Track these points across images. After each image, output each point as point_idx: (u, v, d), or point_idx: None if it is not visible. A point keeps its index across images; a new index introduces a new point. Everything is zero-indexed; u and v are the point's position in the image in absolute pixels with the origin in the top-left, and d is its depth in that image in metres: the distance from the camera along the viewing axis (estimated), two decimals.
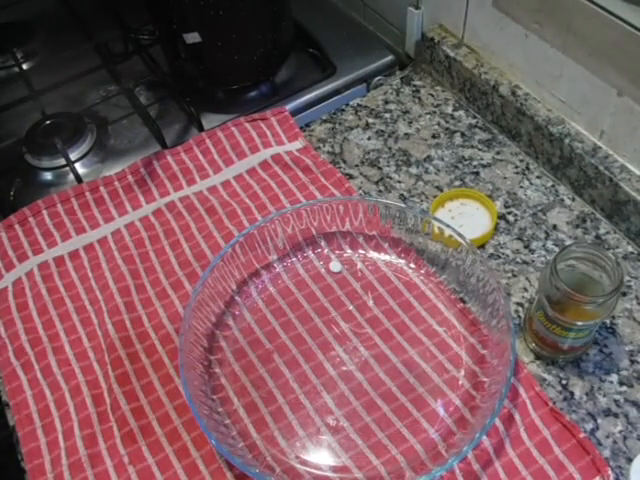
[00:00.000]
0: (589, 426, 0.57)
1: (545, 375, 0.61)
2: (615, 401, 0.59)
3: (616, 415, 0.58)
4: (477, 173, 0.77)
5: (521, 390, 0.59)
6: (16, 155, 0.84)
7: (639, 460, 0.51)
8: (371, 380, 0.61)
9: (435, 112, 0.84)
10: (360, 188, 0.77)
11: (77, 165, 0.82)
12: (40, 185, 0.81)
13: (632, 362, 0.61)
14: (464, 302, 0.65)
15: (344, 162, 0.80)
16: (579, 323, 0.55)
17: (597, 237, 0.70)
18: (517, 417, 0.57)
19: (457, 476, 0.55)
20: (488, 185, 0.76)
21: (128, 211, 0.76)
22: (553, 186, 0.75)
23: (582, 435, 0.56)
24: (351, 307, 0.66)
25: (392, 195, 0.76)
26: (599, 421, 0.58)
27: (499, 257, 0.69)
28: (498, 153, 0.79)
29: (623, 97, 0.64)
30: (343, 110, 0.86)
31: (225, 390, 0.61)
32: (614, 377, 0.60)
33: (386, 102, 0.86)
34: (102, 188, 0.77)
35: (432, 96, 0.87)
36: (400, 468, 0.56)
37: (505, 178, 0.76)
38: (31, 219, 0.75)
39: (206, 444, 0.57)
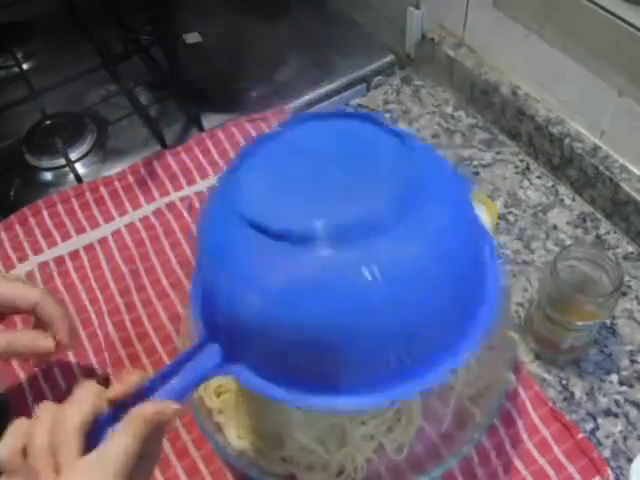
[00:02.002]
0: (589, 426, 0.57)
1: (545, 375, 0.61)
2: (615, 401, 0.59)
3: (616, 415, 0.58)
4: (477, 173, 0.77)
5: (521, 390, 0.58)
6: (16, 155, 0.84)
7: (639, 460, 0.51)
8: None
9: (435, 112, 0.84)
10: None
11: (77, 165, 0.82)
12: (40, 185, 0.81)
13: (632, 362, 0.61)
14: None
15: None
16: (579, 323, 0.55)
17: (597, 237, 0.70)
18: (517, 417, 0.57)
19: (457, 476, 0.55)
20: (488, 185, 0.76)
21: (128, 211, 0.76)
22: (553, 186, 0.75)
23: (582, 435, 0.56)
24: None
25: None
26: (599, 421, 0.58)
27: (499, 257, 0.69)
28: (498, 153, 0.79)
29: (623, 97, 0.64)
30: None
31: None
32: (614, 377, 0.60)
33: (386, 102, 0.86)
34: (102, 188, 0.77)
35: (432, 96, 0.87)
36: (400, 468, 0.55)
37: (505, 178, 0.76)
38: (31, 219, 0.75)
39: (206, 444, 0.57)
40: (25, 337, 0.51)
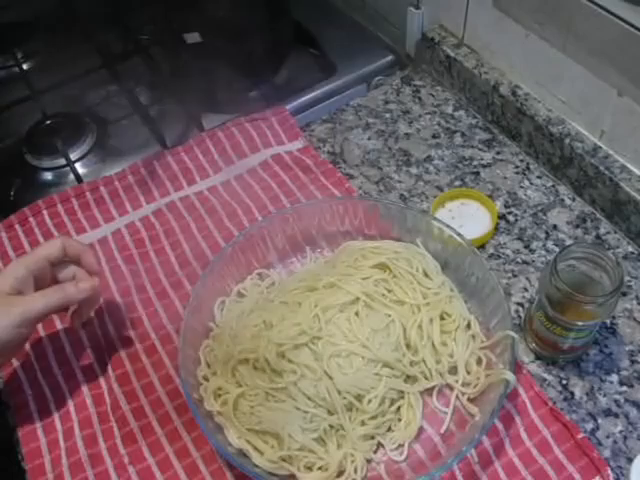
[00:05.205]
0: (589, 426, 0.57)
1: (545, 375, 0.61)
2: (615, 401, 0.59)
3: (616, 415, 0.58)
4: (477, 173, 0.77)
5: (521, 390, 0.58)
6: (16, 155, 0.84)
7: (639, 460, 0.51)
8: None
9: (435, 112, 0.84)
10: (360, 188, 0.77)
11: (77, 165, 0.82)
12: (40, 185, 0.81)
13: (632, 362, 0.61)
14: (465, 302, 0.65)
15: (344, 162, 0.80)
16: (579, 323, 0.55)
17: (597, 237, 0.70)
18: (517, 417, 0.57)
19: (457, 476, 0.55)
20: (488, 185, 0.76)
21: (128, 211, 0.76)
22: (553, 186, 0.75)
23: (582, 435, 0.56)
24: None
25: (392, 195, 0.76)
26: (599, 421, 0.58)
27: (499, 257, 0.69)
28: (498, 153, 0.79)
29: (623, 97, 0.64)
30: (343, 110, 0.86)
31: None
32: (614, 377, 0.60)
33: (386, 102, 0.86)
34: (102, 188, 0.77)
35: (432, 96, 0.87)
36: (400, 468, 0.56)
37: (505, 178, 0.76)
38: (31, 219, 0.75)
39: (206, 444, 0.57)
40: (71, 288, 0.57)
